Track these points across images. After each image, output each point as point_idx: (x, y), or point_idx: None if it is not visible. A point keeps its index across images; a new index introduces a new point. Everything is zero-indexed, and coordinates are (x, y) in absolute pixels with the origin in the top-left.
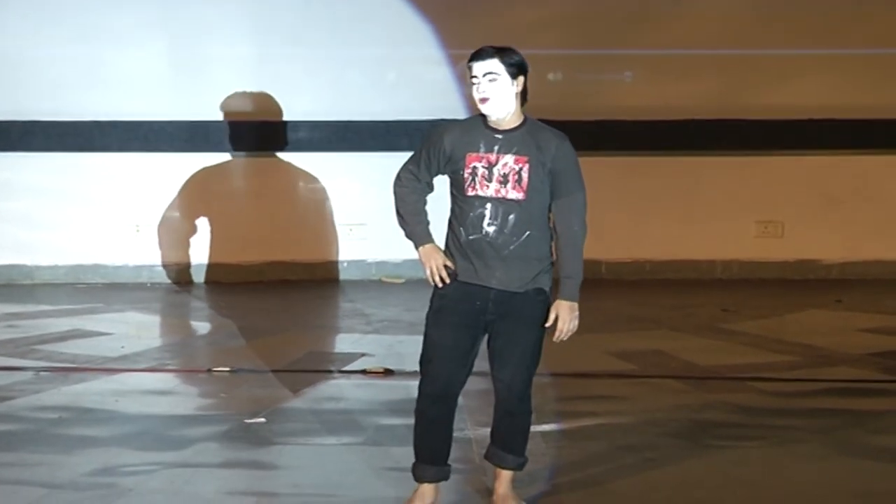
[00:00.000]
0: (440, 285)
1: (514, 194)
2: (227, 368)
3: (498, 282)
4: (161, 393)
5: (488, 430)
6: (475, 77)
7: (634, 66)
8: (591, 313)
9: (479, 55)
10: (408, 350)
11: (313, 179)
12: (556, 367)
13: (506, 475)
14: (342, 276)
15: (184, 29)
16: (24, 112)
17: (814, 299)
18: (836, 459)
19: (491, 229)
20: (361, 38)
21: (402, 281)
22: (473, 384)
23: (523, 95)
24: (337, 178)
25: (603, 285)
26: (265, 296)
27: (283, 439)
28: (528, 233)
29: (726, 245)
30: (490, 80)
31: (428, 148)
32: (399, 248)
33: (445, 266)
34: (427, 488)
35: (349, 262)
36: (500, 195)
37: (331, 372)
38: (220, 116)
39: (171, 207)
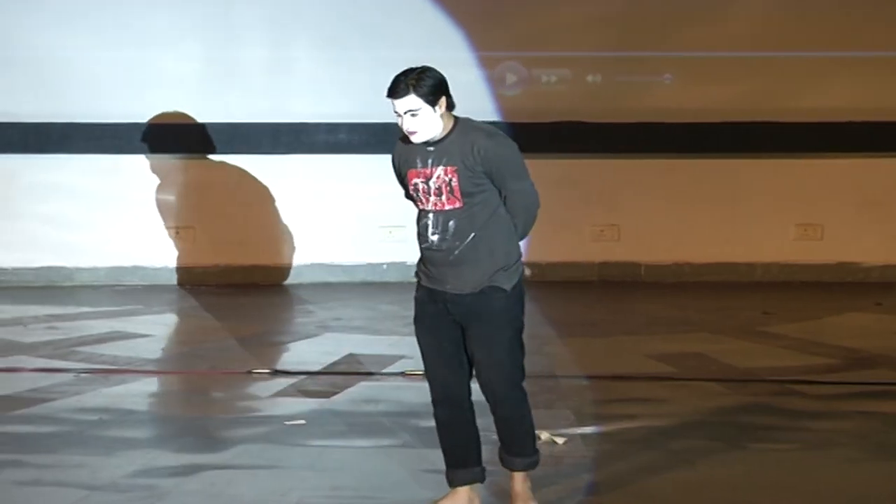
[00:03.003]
0: None
1: (450, 205)
2: (267, 370)
3: (451, 286)
4: (201, 394)
5: None
6: (397, 113)
7: (673, 68)
8: (631, 316)
9: (394, 92)
10: None
11: (352, 181)
12: (595, 370)
13: (519, 474)
14: (382, 278)
15: (220, 31)
16: (64, 114)
17: (853, 302)
18: (874, 463)
19: (435, 238)
20: (395, 41)
21: None
22: None
23: (449, 102)
24: (376, 180)
25: (642, 288)
26: (305, 298)
27: (322, 441)
28: (472, 235)
29: (766, 248)
30: (412, 116)
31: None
32: None
33: None
34: (460, 491)
35: (388, 265)
36: (438, 207)
37: (370, 374)
38: (257, 118)
39: (211, 209)
